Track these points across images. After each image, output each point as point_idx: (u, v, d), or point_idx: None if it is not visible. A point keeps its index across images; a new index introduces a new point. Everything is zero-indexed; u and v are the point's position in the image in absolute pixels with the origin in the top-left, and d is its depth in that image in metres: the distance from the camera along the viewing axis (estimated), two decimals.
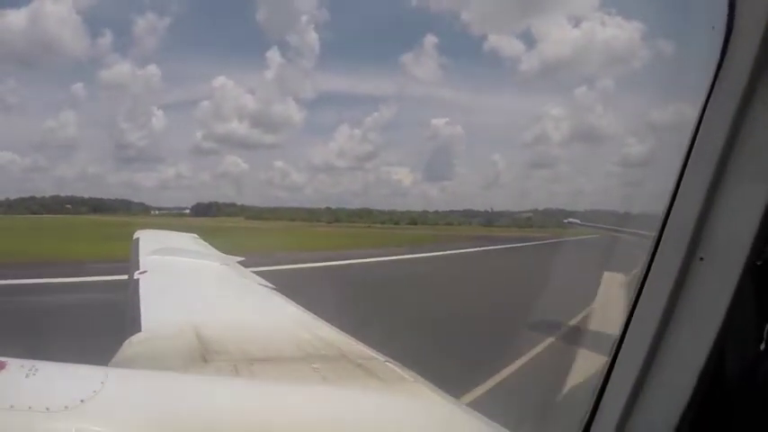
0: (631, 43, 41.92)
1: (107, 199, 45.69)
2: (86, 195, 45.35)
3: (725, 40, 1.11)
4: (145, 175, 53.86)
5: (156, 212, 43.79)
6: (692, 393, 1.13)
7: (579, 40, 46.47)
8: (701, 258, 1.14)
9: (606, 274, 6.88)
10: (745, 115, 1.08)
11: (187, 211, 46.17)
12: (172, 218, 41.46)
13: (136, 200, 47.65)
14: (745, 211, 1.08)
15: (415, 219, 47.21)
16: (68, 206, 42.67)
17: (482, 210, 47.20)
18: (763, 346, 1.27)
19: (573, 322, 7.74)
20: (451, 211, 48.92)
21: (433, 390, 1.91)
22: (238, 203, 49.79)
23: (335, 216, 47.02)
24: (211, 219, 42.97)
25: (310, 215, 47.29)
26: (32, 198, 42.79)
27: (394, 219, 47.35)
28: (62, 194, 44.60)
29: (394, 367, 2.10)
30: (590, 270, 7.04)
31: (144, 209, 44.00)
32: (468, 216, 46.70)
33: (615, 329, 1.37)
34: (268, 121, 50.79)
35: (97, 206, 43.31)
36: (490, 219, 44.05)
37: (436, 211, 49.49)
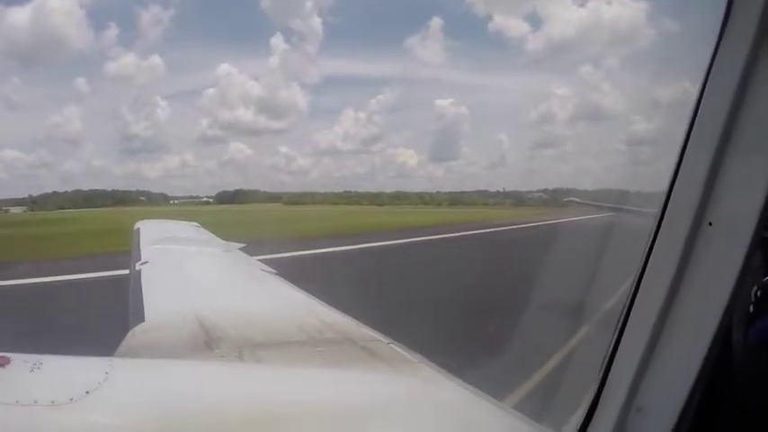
0: (631, 17, 41.07)
1: (130, 191, 46.50)
2: (109, 188, 46.69)
3: (726, 9, 1.13)
4: (152, 165, 55.54)
5: (176, 202, 44.43)
6: (704, 359, 1.16)
7: (583, 17, 46.53)
8: (710, 223, 1.16)
9: None
10: (749, 82, 1.10)
11: (204, 199, 46.58)
12: (201, 206, 42.33)
13: (151, 190, 48.53)
14: (752, 174, 1.10)
15: (455, 200, 47.76)
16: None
17: (493, 191, 49.59)
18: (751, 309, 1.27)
19: None
20: (463, 192, 50.75)
21: (438, 371, 1.95)
22: (261, 190, 50.60)
23: (379, 199, 47.85)
24: (248, 205, 43.45)
25: (349, 200, 47.83)
26: (56, 193, 43.92)
27: (436, 200, 48.08)
28: (84, 188, 46.05)
29: (398, 349, 2.15)
30: None
31: (165, 199, 44.62)
32: (483, 196, 48.56)
33: None
34: (274, 107, 51.55)
35: (121, 198, 43.88)
36: (521, 198, 45.71)
37: (470, 192, 50.84)
